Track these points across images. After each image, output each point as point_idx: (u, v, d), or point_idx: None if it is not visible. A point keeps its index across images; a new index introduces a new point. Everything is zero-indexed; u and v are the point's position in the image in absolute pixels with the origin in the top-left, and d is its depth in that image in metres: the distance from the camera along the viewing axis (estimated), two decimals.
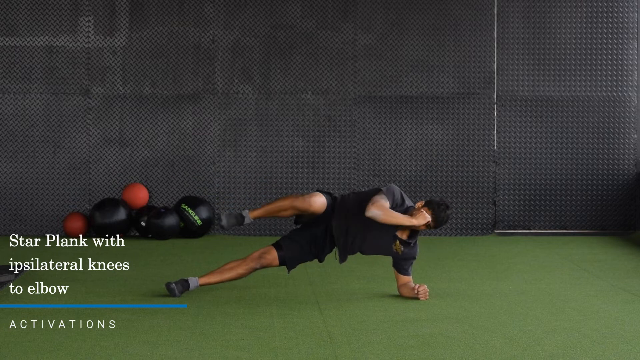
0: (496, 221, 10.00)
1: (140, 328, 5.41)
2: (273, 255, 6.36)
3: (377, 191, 6.29)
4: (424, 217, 6.16)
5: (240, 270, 6.36)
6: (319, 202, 6.29)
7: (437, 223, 6.23)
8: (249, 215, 6.42)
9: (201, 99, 9.91)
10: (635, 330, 5.41)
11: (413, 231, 6.35)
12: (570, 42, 9.93)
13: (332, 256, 6.62)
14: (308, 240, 6.37)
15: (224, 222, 6.42)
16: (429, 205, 6.26)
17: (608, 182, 9.98)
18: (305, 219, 6.41)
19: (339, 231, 6.31)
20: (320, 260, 6.48)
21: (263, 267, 6.38)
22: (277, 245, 6.39)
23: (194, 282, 6.38)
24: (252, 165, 9.93)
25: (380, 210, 6.12)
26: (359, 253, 6.45)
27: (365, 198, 6.29)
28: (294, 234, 6.42)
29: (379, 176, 9.93)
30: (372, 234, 6.28)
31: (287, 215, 6.39)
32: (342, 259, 6.39)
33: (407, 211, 6.28)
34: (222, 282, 6.42)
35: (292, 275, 7.00)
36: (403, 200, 6.33)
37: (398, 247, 6.30)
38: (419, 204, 6.29)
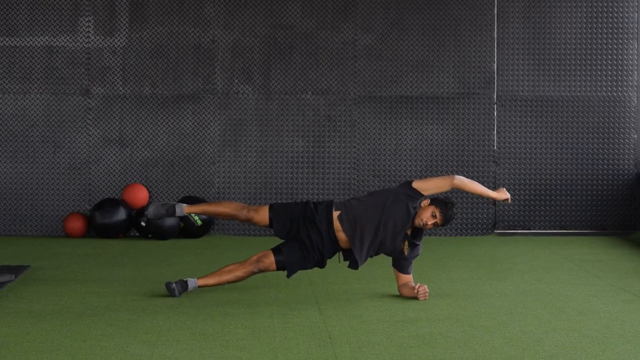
0: (496, 221, 10.00)
1: (140, 328, 5.41)
2: (270, 260, 6.31)
3: (406, 185, 6.28)
4: (505, 194, 6.30)
5: (239, 273, 6.34)
6: (256, 217, 6.39)
7: (445, 221, 6.23)
8: (184, 210, 6.44)
9: (201, 99, 9.91)
10: (635, 330, 5.41)
11: (418, 231, 6.34)
12: (570, 42, 9.93)
13: (334, 258, 6.60)
14: (308, 246, 6.31)
15: (150, 213, 6.45)
16: (435, 203, 6.25)
17: (608, 182, 9.98)
18: (282, 233, 6.41)
19: (355, 236, 6.24)
20: (322, 267, 6.45)
21: (261, 271, 6.35)
22: (276, 250, 6.35)
23: (192, 283, 6.37)
24: (252, 165, 9.93)
25: (464, 177, 6.27)
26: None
27: (390, 196, 6.25)
28: (295, 239, 6.36)
29: (379, 176, 9.92)
30: (391, 234, 6.25)
31: (223, 218, 6.55)
32: (361, 262, 6.33)
33: (416, 209, 6.27)
34: (220, 284, 6.41)
35: (292, 276, 6.99)
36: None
37: (406, 247, 6.29)
38: (424, 202, 6.28)
